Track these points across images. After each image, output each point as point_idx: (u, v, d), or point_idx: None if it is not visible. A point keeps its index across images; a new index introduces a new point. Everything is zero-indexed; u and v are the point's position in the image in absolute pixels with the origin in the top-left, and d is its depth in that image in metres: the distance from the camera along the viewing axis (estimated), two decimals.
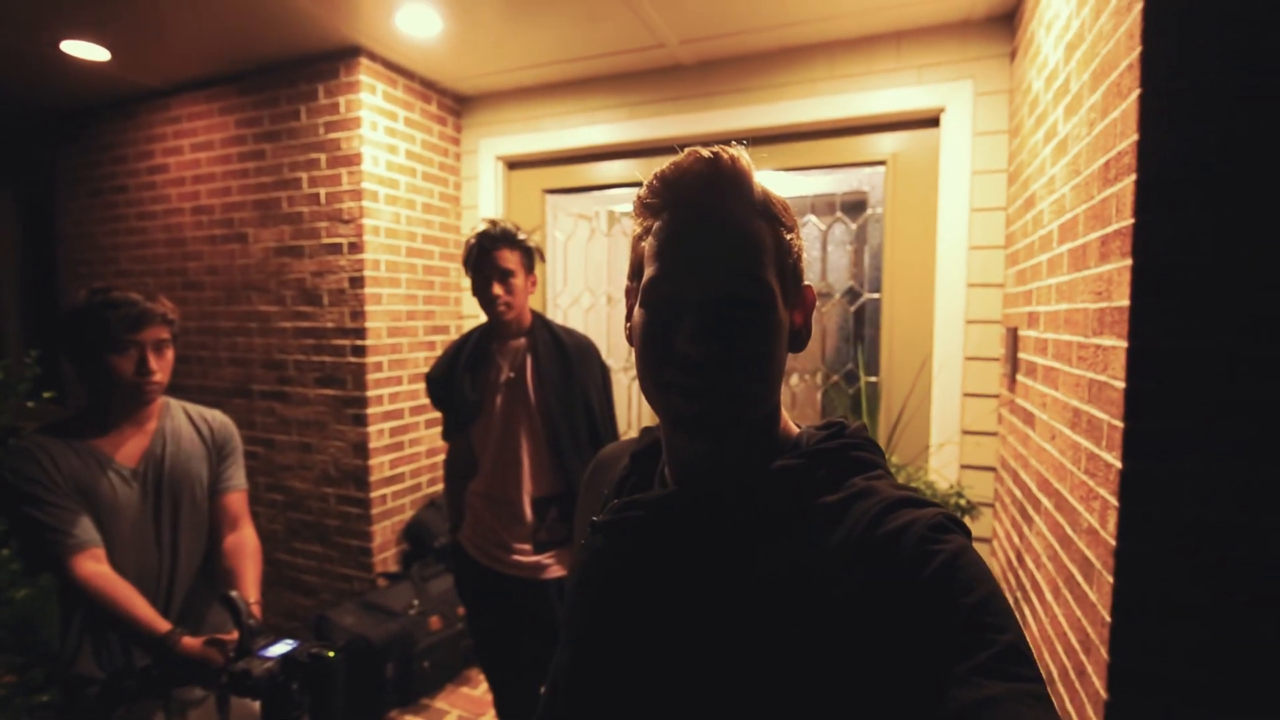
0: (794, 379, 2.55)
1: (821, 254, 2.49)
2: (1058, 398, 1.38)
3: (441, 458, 2.88)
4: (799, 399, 2.56)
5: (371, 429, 2.54)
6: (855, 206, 2.45)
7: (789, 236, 0.58)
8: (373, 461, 2.55)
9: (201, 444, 1.56)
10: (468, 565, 1.80)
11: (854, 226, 2.45)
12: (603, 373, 1.86)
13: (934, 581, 0.46)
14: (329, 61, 2.51)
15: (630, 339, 0.61)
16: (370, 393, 2.53)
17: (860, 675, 0.46)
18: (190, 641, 1.29)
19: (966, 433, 2.22)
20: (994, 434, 2.18)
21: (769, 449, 0.59)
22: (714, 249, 0.54)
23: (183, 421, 1.56)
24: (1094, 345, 1.14)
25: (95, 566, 1.31)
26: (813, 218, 2.50)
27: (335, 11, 2.20)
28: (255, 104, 2.69)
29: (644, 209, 0.58)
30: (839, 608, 0.49)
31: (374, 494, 2.57)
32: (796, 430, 0.63)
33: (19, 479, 1.31)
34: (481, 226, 1.72)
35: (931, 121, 2.30)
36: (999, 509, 2.09)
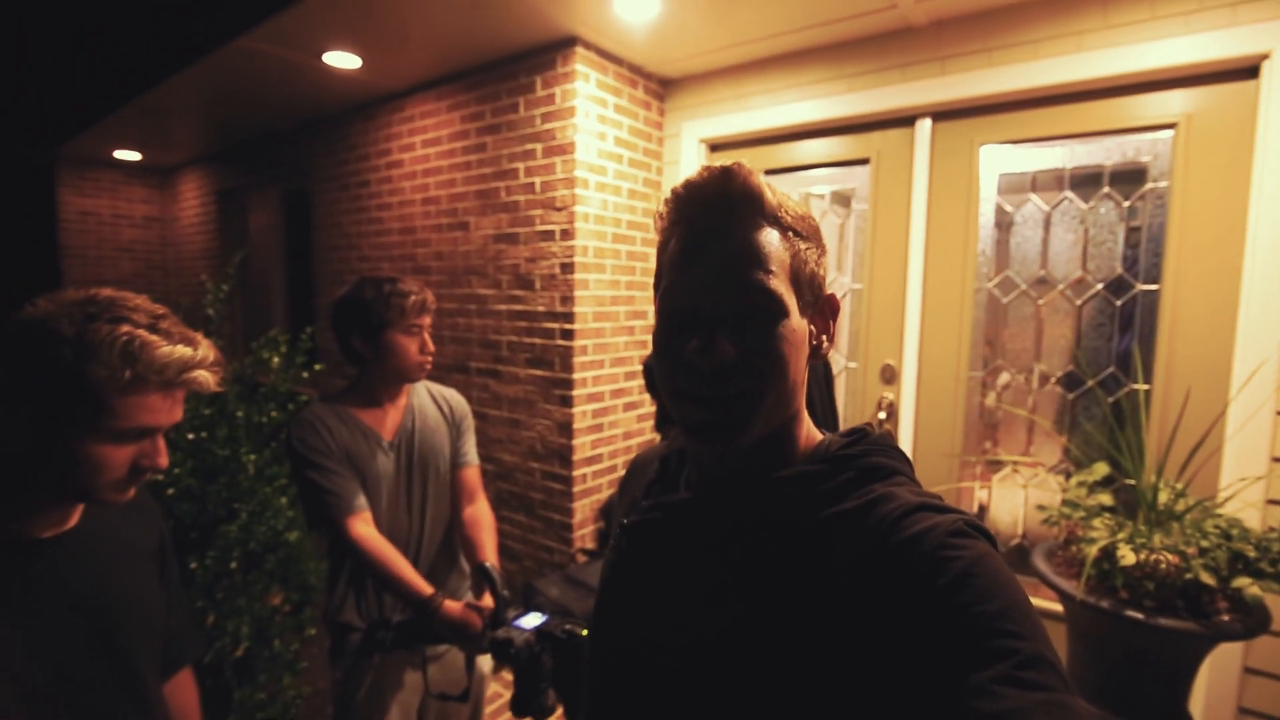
0: (1030, 380, 2.22)
1: (1082, 238, 2.13)
2: None
3: (636, 441, 2.92)
4: (1038, 406, 2.23)
5: (576, 410, 2.62)
6: (1129, 180, 2.06)
7: (804, 246, 0.58)
8: (576, 441, 2.64)
9: (443, 420, 1.67)
10: None
11: (1126, 205, 2.06)
12: (824, 369, 1.73)
13: (951, 588, 0.45)
14: (547, 53, 2.59)
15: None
16: (576, 375, 2.61)
17: (879, 683, 0.45)
18: (451, 605, 1.39)
19: (1279, 460, 1.79)
20: None
21: (787, 456, 0.60)
22: (723, 261, 0.55)
23: (426, 399, 1.68)
24: None
25: (366, 529, 1.44)
26: (1070, 194, 2.14)
27: (557, 1, 2.24)
28: (479, 99, 2.86)
29: (662, 223, 0.61)
30: (856, 615, 0.48)
31: (576, 472, 2.66)
32: (820, 438, 0.63)
33: (305, 447, 1.47)
34: None
35: (1246, 72, 1.85)
36: None
